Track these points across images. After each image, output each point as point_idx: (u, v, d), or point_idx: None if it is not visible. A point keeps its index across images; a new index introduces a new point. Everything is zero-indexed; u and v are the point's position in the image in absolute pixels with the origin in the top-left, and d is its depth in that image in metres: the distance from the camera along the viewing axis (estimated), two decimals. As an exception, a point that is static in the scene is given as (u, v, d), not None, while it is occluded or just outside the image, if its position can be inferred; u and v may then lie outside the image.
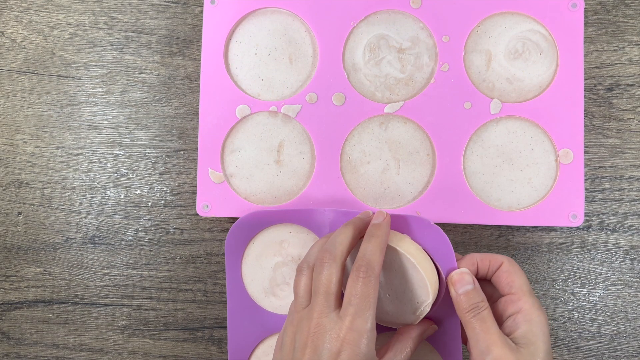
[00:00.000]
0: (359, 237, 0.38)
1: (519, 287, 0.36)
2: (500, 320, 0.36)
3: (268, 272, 0.45)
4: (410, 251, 0.38)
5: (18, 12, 0.49)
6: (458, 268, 0.38)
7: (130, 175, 0.48)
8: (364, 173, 0.46)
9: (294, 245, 0.45)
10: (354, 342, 0.32)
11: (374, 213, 0.40)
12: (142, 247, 0.48)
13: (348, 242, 0.36)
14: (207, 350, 0.48)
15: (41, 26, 0.49)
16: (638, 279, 0.47)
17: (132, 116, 0.48)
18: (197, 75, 0.48)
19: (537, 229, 0.47)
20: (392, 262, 0.38)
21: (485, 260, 0.38)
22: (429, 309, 0.38)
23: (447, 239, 0.39)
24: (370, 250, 0.35)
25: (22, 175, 0.48)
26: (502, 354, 0.33)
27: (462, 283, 0.37)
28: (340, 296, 0.35)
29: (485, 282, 0.39)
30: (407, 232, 0.41)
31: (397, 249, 0.37)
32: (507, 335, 0.35)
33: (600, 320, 0.47)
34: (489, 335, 0.34)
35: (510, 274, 0.37)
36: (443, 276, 0.39)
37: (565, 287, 0.47)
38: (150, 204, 0.48)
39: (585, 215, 0.46)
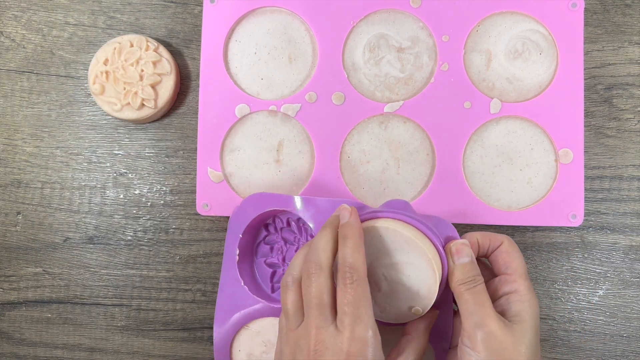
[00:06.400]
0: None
1: (515, 268, 0.37)
2: (492, 298, 0.36)
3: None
4: (403, 230, 0.36)
5: (17, 11, 0.49)
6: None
7: (130, 175, 0.48)
8: (364, 172, 0.46)
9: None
10: (359, 352, 0.31)
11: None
12: (141, 247, 0.48)
13: (330, 246, 0.34)
14: (206, 350, 0.47)
15: (40, 26, 0.49)
16: (638, 279, 0.47)
17: (132, 116, 0.48)
18: (197, 74, 0.48)
19: (537, 229, 0.47)
20: (387, 246, 0.36)
21: (485, 238, 0.38)
22: (434, 299, 0.36)
23: (449, 222, 0.38)
24: (349, 252, 0.33)
25: (21, 175, 0.48)
26: (496, 328, 0.33)
27: (461, 255, 0.36)
28: (334, 306, 0.33)
29: (479, 260, 0.39)
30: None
31: (390, 228, 0.36)
32: (499, 313, 0.35)
33: (600, 320, 0.47)
34: (483, 309, 0.34)
35: (509, 255, 0.37)
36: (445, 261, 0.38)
37: (565, 287, 0.47)
38: (149, 203, 0.48)
39: (585, 215, 0.46)
